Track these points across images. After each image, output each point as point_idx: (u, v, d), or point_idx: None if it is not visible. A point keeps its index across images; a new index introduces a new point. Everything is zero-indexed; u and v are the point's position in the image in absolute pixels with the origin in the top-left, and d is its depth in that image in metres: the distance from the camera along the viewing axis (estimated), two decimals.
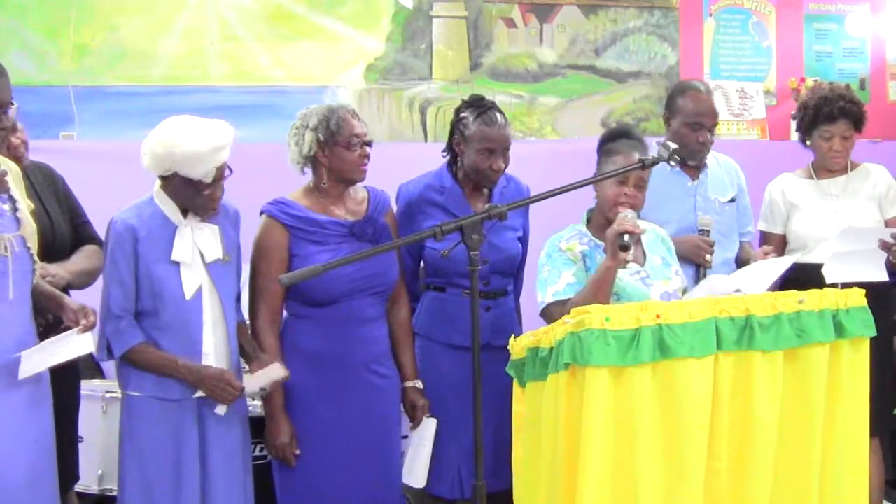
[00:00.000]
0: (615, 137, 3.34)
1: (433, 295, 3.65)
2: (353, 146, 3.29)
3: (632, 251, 3.01)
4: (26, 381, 2.79)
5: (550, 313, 3.15)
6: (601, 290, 3.02)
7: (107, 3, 5.04)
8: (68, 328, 2.88)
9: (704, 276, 3.68)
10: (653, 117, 5.64)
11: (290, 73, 5.26)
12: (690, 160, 3.79)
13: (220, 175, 3.04)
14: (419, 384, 3.47)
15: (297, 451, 3.26)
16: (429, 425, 3.44)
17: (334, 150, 3.29)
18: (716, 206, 3.86)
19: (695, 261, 3.68)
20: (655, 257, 3.30)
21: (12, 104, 2.86)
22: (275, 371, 3.12)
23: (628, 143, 3.27)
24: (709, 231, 3.72)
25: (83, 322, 2.87)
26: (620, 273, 3.09)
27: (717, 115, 3.89)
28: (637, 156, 3.21)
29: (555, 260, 3.21)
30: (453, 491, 3.57)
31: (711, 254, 3.67)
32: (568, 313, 2.99)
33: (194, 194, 3.04)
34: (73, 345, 2.86)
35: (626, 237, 2.98)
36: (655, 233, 3.38)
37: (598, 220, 3.26)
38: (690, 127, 3.79)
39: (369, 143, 3.35)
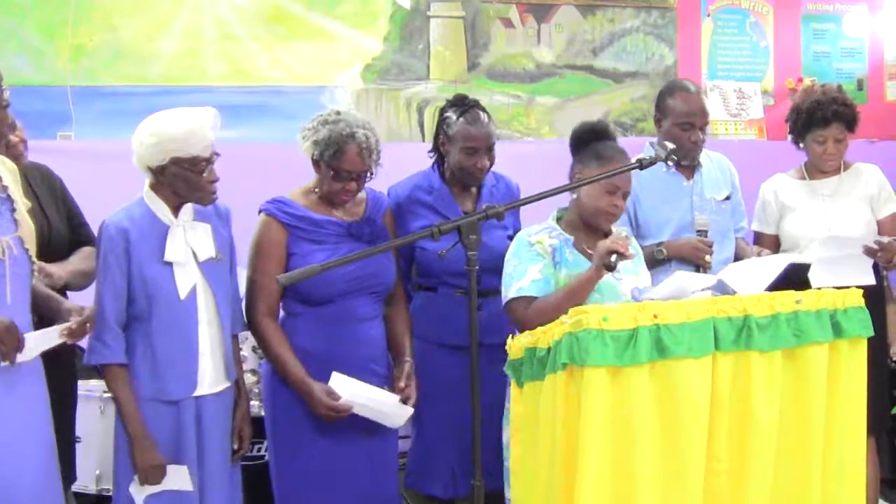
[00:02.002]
0: (593, 137, 3.28)
1: (424, 295, 3.66)
2: (341, 178, 3.26)
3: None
4: (23, 383, 2.78)
5: (513, 309, 3.14)
6: (577, 297, 3.02)
7: (105, 3, 5.04)
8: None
9: None
10: (650, 117, 5.59)
11: (288, 73, 5.26)
12: (684, 160, 3.79)
13: (213, 153, 3.03)
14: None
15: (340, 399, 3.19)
16: (404, 413, 3.29)
17: (324, 171, 3.27)
18: (712, 205, 3.87)
19: (694, 262, 3.68)
20: None
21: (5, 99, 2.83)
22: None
23: (617, 150, 3.23)
24: (706, 231, 3.72)
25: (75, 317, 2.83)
26: None
27: (708, 114, 3.90)
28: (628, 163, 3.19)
29: (522, 255, 3.18)
30: (447, 490, 3.57)
31: (710, 254, 3.68)
32: (530, 311, 3.05)
33: (194, 177, 3.01)
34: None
35: (614, 258, 2.96)
36: (627, 234, 3.37)
37: (571, 219, 3.25)
38: (682, 127, 3.80)
39: (369, 174, 3.28)
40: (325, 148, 3.23)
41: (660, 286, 3.13)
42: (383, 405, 3.25)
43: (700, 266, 3.68)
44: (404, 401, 3.30)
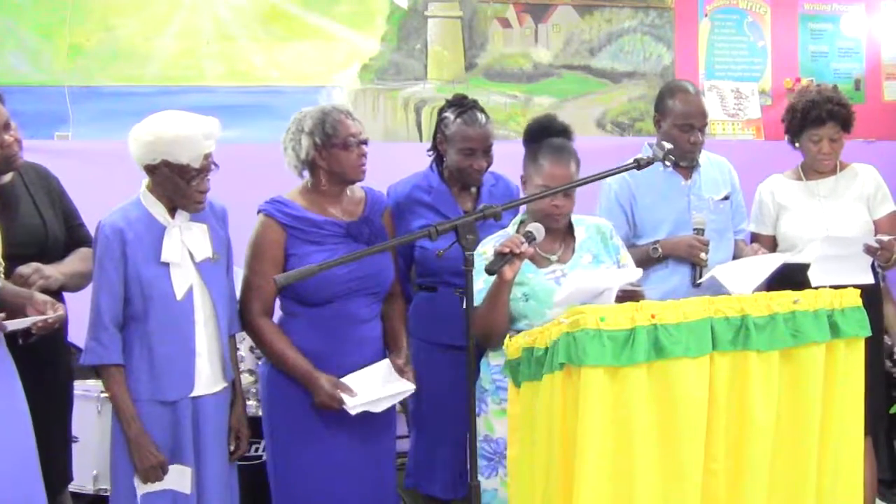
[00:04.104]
0: (538, 135, 3.26)
1: (424, 295, 3.66)
2: (351, 147, 3.28)
3: (513, 267, 2.98)
4: None
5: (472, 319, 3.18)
6: (495, 301, 3.06)
7: (102, 3, 5.05)
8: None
9: (700, 275, 3.69)
10: (647, 117, 5.64)
11: (285, 73, 5.27)
12: (682, 161, 3.79)
13: (206, 165, 3.03)
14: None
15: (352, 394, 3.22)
16: (406, 387, 3.33)
17: (332, 152, 3.28)
18: (710, 204, 3.87)
19: (690, 260, 3.69)
20: (586, 255, 3.26)
21: None
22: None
23: (553, 149, 3.19)
24: (703, 230, 3.72)
25: (50, 312, 2.84)
26: (532, 273, 3.14)
27: (707, 115, 3.90)
28: (566, 163, 3.16)
29: (477, 266, 3.16)
30: (446, 491, 3.57)
31: (706, 252, 3.68)
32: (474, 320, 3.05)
33: (182, 184, 3.01)
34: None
35: (493, 258, 2.98)
36: (597, 228, 3.33)
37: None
38: (681, 128, 3.80)
39: (365, 142, 3.34)
40: (322, 128, 3.26)
41: (558, 291, 3.08)
42: (384, 383, 3.27)
43: (696, 264, 3.69)
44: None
